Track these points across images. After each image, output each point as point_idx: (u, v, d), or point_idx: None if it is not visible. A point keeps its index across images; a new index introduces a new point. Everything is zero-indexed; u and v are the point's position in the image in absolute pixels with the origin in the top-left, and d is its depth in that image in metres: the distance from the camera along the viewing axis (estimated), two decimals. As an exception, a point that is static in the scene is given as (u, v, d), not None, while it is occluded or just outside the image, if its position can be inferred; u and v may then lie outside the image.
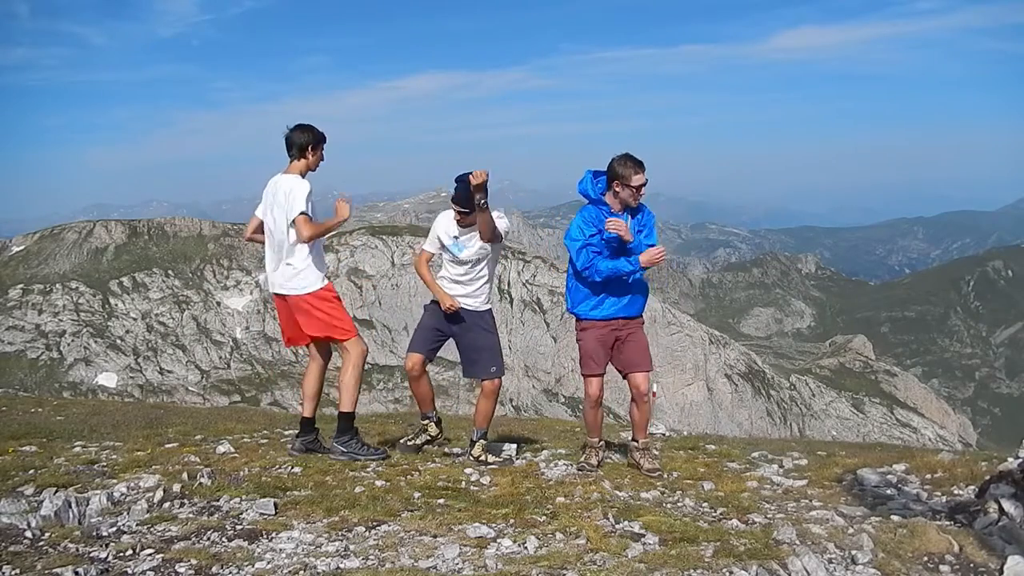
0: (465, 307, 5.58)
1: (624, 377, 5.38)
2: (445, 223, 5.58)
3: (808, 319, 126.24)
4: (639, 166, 5.09)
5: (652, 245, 5.17)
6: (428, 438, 5.95)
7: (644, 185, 5.11)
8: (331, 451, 5.56)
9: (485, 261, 5.61)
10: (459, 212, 5.41)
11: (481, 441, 5.70)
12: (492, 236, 5.38)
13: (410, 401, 52.34)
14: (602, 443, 5.61)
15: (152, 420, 9.53)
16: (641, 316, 5.41)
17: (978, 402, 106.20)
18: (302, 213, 5.10)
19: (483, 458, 5.60)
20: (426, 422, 5.96)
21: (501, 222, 5.43)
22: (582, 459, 5.57)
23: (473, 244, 5.49)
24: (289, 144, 5.33)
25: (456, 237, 5.52)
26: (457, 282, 5.61)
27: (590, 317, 5.28)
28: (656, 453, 5.60)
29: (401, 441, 6.00)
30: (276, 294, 5.50)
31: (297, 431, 5.86)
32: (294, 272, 5.31)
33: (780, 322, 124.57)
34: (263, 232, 5.50)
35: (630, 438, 5.68)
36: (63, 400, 18.36)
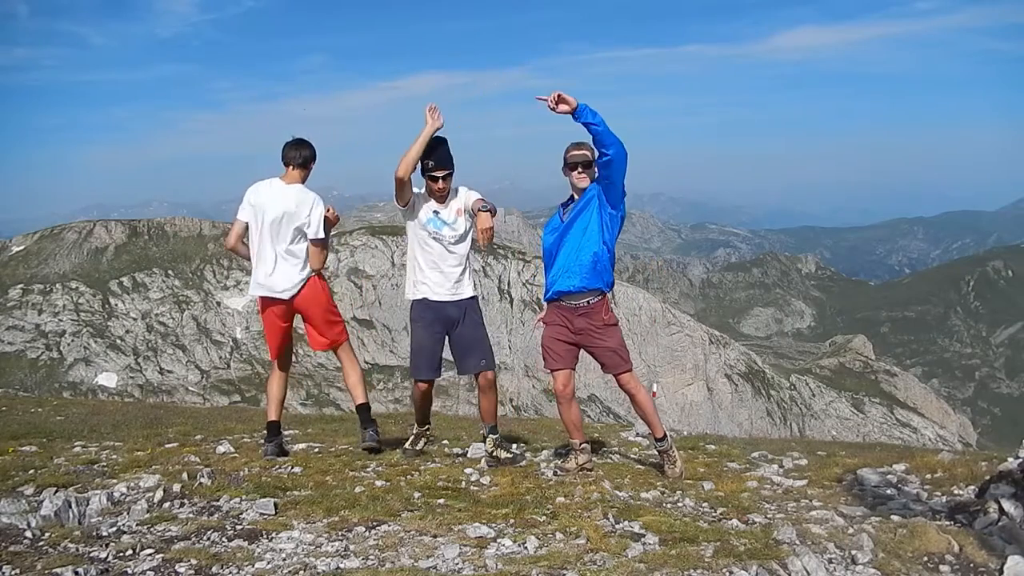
0: (451, 299, 5.32)
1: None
2: (423, 196, 5.25)
3: (808, 319, 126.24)
4: (578, 145, 4.98)
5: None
6: (426, 441, 5.94)
7: (584, 164, 4.95)
8: (366, 440, 5.73)
9: (466, 240, 5.30)
10: (439, 179, 5.10)
11: (492, 436, 5.55)
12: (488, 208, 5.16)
13: (410, 401, 52.36)
14: (585, 445, 5.35)
15: (152, 420, 9.55)
16: (587, 296, 5.05)
17: (978, 402, 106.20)
18: (323, 240, 5.45)
19: (496, 453, 5.50)
20: (424, 427, 5.89)
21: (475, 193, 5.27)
22: (559, 462, 5.48)
23: (455, 220, 5.22)
24: (298, 153, 5.42)
25: (436, 212, 5.20)
26: (435, 267, 5.28)
27: (548, 300, 5.23)
28: (676, 456, 5.36)
29: (405, 447, 5.82)
30: (273, 298, 5.47)
31: (268, 435, 5.76)
32: (298, 269, 5.44)
33: (780, 322, 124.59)
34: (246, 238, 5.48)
35: (652, 435, 5.48)
36: (63, 400, 18.36)
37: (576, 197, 5.09)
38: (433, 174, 5.13)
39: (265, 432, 5.90)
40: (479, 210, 5.15)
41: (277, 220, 5.34)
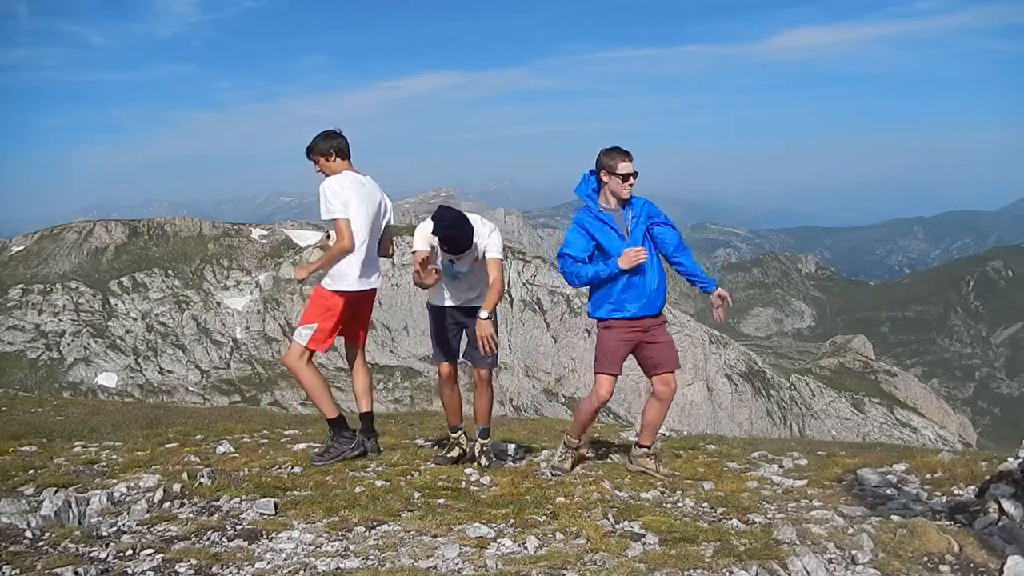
0: (459, 304, 5.40)
1: (650, 377, 5.15)
2: (433, 241, 5.20)
3: (808, 319, 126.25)
4: (626, 155, 4.93)
5: (660, 229, 5.04)
6: (460, 451, 5.66)
7: (633, 175, 4.93)
8: (371, 449, 5.66)
9: (479, 271, 5.39)
10: (451, 255, 5.19)
11: (480, 440, 5.54)
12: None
13: (410, 401, 52.38)
14: (584, 446, 5.41)
15: (152, 420, 9.54)
16: (662, 313, 5.14)
17: (978, 402, 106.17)
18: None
19: (480, 460, 5.46)
20: (456, 435, 5.70)
21: (493, 238, 5.24)
22: (557, 462, 5.42)
23: (466, 265, 5.28)
24: (346, 142, 5.43)
25: (452, 261, 5.26)
26: (455, 287, 5.42)
27: (612, 317, 5.02)
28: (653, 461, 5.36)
29: (436, 456, 5.74)
30: (359, 290, 5.44)
31: (340, 431, 5.52)
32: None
33: (780, 322, 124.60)
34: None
35: (637, 443, 5.41)
36: (63, 400, 18.35)
37: (611, 205, 5.01)
38: (448, 254, 5.19)
39: (357, 431, 5.58)
40: (480, 318, 5.13)
41: (374, 214, 5.38)
